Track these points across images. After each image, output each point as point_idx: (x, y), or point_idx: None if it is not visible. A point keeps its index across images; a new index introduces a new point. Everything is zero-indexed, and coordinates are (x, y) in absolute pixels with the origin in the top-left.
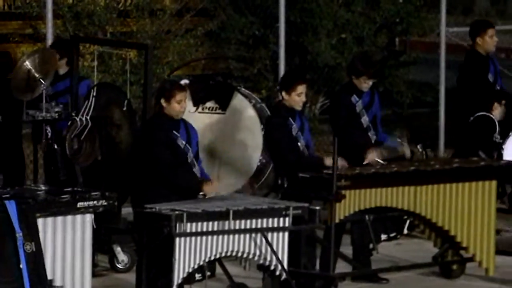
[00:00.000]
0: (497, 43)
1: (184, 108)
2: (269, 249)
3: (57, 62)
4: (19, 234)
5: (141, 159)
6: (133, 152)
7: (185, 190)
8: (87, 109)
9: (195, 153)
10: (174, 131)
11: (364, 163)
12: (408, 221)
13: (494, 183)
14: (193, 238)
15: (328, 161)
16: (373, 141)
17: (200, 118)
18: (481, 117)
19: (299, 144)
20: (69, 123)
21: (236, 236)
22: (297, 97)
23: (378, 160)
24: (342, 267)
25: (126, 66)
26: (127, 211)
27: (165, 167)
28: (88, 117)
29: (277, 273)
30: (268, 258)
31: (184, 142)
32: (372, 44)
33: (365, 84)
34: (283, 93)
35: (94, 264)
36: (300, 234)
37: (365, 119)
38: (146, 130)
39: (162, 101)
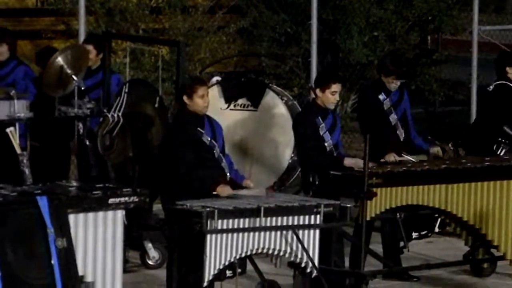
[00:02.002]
0: None
1: (208, 102)
2: (300, 246)
3: (91, 58)
4: (50, 230)
5: (166, 158)
6: (160, 149)
7: (198, 192)
8: (119, 106)
9: (221, 148)
10: (198, 128)
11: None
12: (439, 219)
13: None
14: (224, 235)
15: (347, 162)
16: (401, 139)
17: (231, 115)
18: (501, 86)
19: (325, 144)
20: (101, 120)
21: (267, 233)
22: (331, 95)
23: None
24: (372, 264)
25: (158, 62)
26: (158, 207)
27: (184, 169)
28: (120, 114)
29: (308, 270)
30: (299, 255)
31: (209, 138)
32: (404, 42)
33: (393, 84)
34: (317, 90)
35: (125, 260)
36: (331, 231)
37: (393, 117)
38: (170, 129)
39: (185, 98)
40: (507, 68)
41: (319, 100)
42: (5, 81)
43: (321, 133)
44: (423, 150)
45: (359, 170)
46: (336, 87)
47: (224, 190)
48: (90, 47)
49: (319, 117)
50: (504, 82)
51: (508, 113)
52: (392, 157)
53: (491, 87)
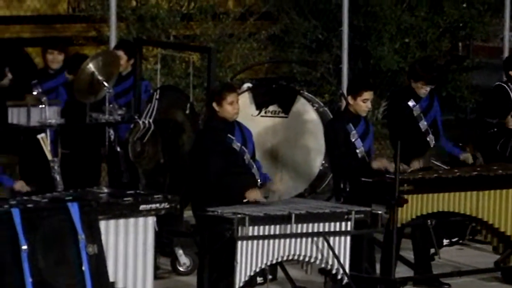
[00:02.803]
0: None
1: (237, 109)
2: (331, 253)
3: (122, 64)
4: (81, 236)
5: (196, 165)
6: (190, 156)
7: (227, 199)
8: (149, 112)
9: (251, 153)
10: (229, 135)
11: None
12: (470, 226)
13: None
14: (255, 242)
15: (374, 165)
16: (431, 145)
17: (262, 122)
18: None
19: (357, 150)
20: (132, 126)
21: (298, 239)
22: (362, 103)
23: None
24: (403, 271)
25: (189, 69)
26: (189, 214)
27: (213, 177)
28: (151, 120)
29: (339, 277)
30: (330, 262)
31: (239, 145)
32: (435, 49)
33: (423, 90)
34: (349, 98)
35: (156, 267)
36: (362, 238)
37: (423, 123)
38: (199, 136)
39: (214, 105)
40: (510, 72)
41: (351, 108)
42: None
43: (353, 139)
44: (443, 147)
45: (390, 177)
46: (367, 95)
47: (253, 194)
48: (120, 53)
49: (351, 124)
50: (501, 83)
51: (499, 111)
52: (417, 163)
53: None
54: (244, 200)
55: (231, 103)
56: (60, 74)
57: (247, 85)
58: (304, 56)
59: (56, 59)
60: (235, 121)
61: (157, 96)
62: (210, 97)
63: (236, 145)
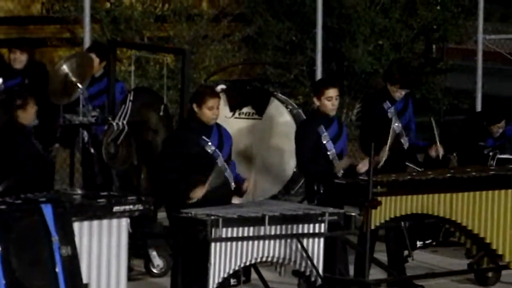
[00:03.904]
0: None
1: (216, 115)
2: (304, 255)
3: (94, 66)
4: (55, 238)
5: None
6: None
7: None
8: (123, 114)
9: (226, 157)
10: (203, 137)
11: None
12: (444, 228)
13: None
14: (228, 243)
15: (337, 169)
16: (405, 147)
17: (236, 124)
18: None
19: (328, 153)
20: (105, 128)
21: (272, 241)
22: (327, 102)
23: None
24: (377, 273)
25: (163, 71)
26: (163, 215)
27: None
28: (124, 122)
29: (312, 279)
30: (304, 264)
31: (214, 148)
32: (409, 51)
33: (398, 93)
34: (315, 99)
35: (130, 268)
36: (335, 240)
37: (397, 126)
38: (167, 139)
39: (194, 105)
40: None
41: (320, 109)
42: None
43: (324, 142)
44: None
45: (364, 178)
46: (330, 92)
47: (196, 193)
48: (92, 56)
49: (322, 126)
50: None
51: None
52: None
53: None
54: (191, 201)
55: (210, 108)
56: (20, 75)
57: (221, 86)
58: (278, 58)
59: (18, 58)
60: (215, 124)
61: (131, 98)
62: (192, 96)
63: (210, 148)
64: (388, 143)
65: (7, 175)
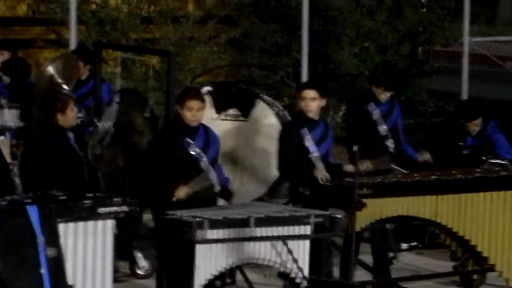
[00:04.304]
0: None
1: (196, 117)
2: (290, 257)
3: (80, 68)
4: (40, 239)
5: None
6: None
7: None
8: (109, 115)
9: (211, 159)
10: (187, 139)
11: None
12: (429, 230)
13: None
14: (214, 245)
15: (349, 168)
16: (391, 150)
17: (222, 125)
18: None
19: (310, 156)
20: (91, 129)
21: (257, 243)
22: (303, 103)
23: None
24: (362, 275)
25: (149, 72)
26: (148, 217)
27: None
28: (110, 123)
29: (298, 281)
30: (289, 266)
31: (198, 150)
32: (395, 53)
33: (383, 96)
34: (297, 101)
35: (115, 270)
36: (321, 242)
37: (382, 128)
38: (151, 140)
39: (178, 107)
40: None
41: (302, 110)
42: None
43: (307, 144)
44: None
45: (349, 180)
46: (307, 93)
47: (179, 192)
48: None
49: (306, 128)
50: None
51: None
52: (365, 165)
53: None
54: (174, 199)
55: (190, 109)
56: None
57: (206, 88)
58: (264, 60)
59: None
60: (200, 125)
61: (117, 100)
62: (177, 97)
63: (194, 149)
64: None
65: (43, 177)
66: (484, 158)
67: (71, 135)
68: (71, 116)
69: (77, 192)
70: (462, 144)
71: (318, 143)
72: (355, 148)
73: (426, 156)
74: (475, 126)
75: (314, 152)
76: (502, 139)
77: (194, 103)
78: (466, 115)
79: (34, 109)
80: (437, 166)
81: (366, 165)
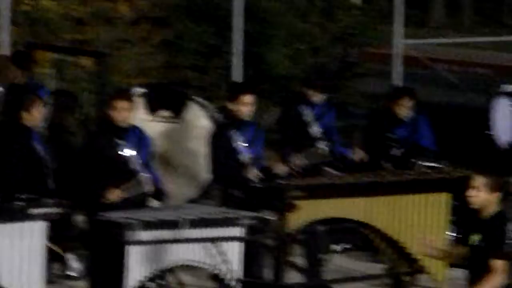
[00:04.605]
0: (452, 56)
1: (124, 117)
2: (222, 258)
3: (13, 70)
4: None
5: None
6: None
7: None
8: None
9: (143, 160)
10: (116, 139)
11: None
12: (361, 233)
13: (447, 195)
14: (145, 247)
15: (277, 168)
16: (324, 152)
17: (154, 127)
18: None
19: (240, 157)
20: None
21: (189, 245)
22: (243, 107)
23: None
24: (294, 277)
25: (81, 73)
26: (80, 218)
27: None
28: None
29: (230, 283)
30: (221, 268)
31: (129, 151)
32: (327, 55)
33: (316, 98)
34: (230, 104)
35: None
36: (253, 244)
37: (316, 130)
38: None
39: (107, 108)
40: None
41: (235, 113)
42: None
43: (237, 146)
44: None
45: (281, 182)
46: (247, 99)
47: (111, 195)
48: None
49: (236, 130)
50: None
51: None
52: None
53: None
54: (105, 201)
55: (116, 110)
56: None
57: (139, 90)
58: (197, 62)
59: None
60: (132, 127)
61: (50, 101)
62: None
63: (124, 151)
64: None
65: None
66: (413, 160)
67: (35, 135)
68: (36, 115)
69: (8, 193)
70: (390, 135)
71: (249, 145)
72: (288, 150)
73: (360, 155)
74: (405, 109)
75: (245, 154)
76: (429, 132)
77: (121, 104)
78: (394, 95)
79: None
80: (369, 164)
81: (297, 161)
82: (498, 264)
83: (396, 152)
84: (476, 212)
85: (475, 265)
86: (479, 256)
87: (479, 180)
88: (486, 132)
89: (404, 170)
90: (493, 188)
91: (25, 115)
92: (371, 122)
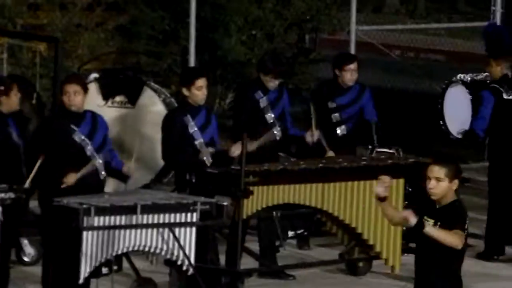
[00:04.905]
0: (407, 42)
1: (74, 101)
2: (176, 244)
3: None
4: None
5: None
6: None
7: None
8: None
9: (98, 145)
10: (72, 125)
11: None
12: (315, 218)
13: (401, 181)
14: (100, 232)
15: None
16: (278, 138)
17: (109, 112)
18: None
19: (195, 142)
20: None
21: (144, 230)
22: (197, 91)
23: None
24: (248, 263)
25: (36, 59)
26: (35, 203)
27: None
28: None
29: (184, 268)
30: (175, 253)
31: (82, 137)
32: (282, 41)
33: (271, 83)
34: (184, 89)
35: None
36: (207, 229)
37: (269, 116)
38: (41, 125)
39: (60, 93)
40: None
41: (189, 99)
42: None
43: (191, 131)
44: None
45: (236, 168)
46: (200, 82)
47: (68, 178)
48: None
49: (189, 115)
50: None
51: None
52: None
53: None
54: (62, 186)
55: (65, 94)
56: None
57: (93, 75)
58: (152, 47)
59: None
60: (87, 112)
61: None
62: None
63: (78, 136)
64: (259, 142)
65: None
66: (370, 147)
67: (11, 121)
68: (15, 100)
69: None
70: (331, 104)
71: (201, 129)
72: (243, 135)
73: (316, 135)
74: (350, 72)
75: (199, 139)
76: (371, 106)
77: (69, 87)
78: (338, 61)
79: None
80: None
81: (251, 146)
82: (460, 232)
83: (341, 131)
84: (432, 200)
85: (424, 248)
86: (429, 239)
87: (439, 171)
88: (440, 121)
89: (358, 157)
90: (453, 177)
91: (4, 99)
92: (314, 92)
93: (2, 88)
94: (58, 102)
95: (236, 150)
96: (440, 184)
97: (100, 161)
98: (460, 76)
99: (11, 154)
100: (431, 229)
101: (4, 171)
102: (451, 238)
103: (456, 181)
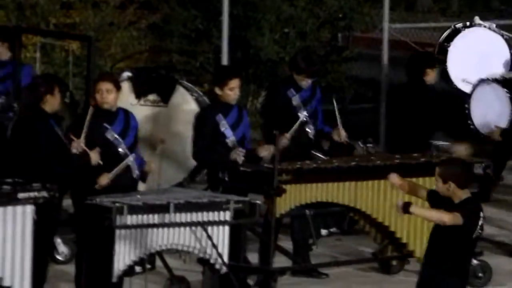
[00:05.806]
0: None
1: (107, 99)
2: (209, 242)
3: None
4: None
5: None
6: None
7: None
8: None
9: (130, 143)
10: (105, 124)
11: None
12: (348, 217)
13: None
14: (133, 231)
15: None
16: (311, 136)
17: (141, 111)
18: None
19: (227, 140)
20: (11, 114)
21: (177, 229)
22: (230, 92)
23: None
24: (281, 261)
25: (68, 57)
26: (68, 202)
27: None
28: None
29: (217, 266)
30: (208, 252)
31: (115, 135)
32: (315, 39)
33: (304, 82)
34: (216, 88)
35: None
36: (240, 228)
37: (302, 114)
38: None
39: (93, 92)
40: (427, 70)
41: (221, 97)
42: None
43: (222, 129)
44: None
45: (269, 166)
46: (233, 83)
47: (101, 180)
48: None
49: (220, 114)
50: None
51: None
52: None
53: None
54: (96, 187)
55: (98, 92)
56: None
57: (126, 74)
58: (184, 46)
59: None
60: (120, 110)
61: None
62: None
63: (111, 135)
64: (291, 131)
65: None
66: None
67: (53, 121)
68: (58, 99)
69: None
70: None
71: (233, 127)
72: (275, 132)
73: (342, 134)
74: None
75: (230, 137)
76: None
77: (102, 85)
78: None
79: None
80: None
81: (283, 145)
82: (455, 213)
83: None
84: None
85: (436, 238)
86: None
87: (437, 172)
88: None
89: (392, 155)
90: (446, 179)
91: (49, 98)
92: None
93: (48, 86)
94: (90, 102)
95: (264, 152)
96: (437, 184)
97: (133, 160)
98: (490, 74)
99: (61, 154)
100: (416, 208)
101: (52, 169)
102: (436, 214)
103: (451, 184)
